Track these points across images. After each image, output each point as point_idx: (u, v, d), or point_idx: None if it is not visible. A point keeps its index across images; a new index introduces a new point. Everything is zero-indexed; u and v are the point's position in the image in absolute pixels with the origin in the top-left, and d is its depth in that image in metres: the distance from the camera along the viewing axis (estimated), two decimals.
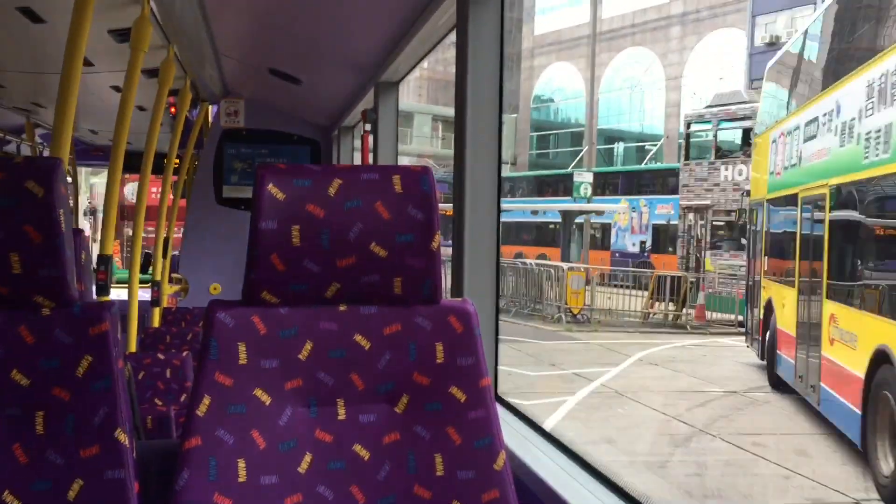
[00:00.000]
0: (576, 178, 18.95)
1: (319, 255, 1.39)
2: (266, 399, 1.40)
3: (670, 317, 17.24)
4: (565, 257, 22.42)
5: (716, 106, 20.21)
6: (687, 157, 20.43)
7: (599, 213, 22.58)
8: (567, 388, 10.97)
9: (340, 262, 1.40)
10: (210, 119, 6.83)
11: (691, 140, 20.41)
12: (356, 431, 1.43)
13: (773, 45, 28.56)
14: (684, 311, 17.11)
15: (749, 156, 18.36)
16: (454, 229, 2.38)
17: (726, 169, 19.17)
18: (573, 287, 17.20)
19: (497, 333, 2.41)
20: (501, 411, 2.26)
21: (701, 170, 19.78)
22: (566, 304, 17.21)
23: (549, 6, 42.72)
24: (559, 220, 24.33)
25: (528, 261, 18.41)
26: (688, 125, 20.51)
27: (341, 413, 1.44)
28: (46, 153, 8.14)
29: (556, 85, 42.74)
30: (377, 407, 1.45)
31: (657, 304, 17.52)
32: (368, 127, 4.51)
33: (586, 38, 40.20)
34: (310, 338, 1.42)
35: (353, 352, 1.44)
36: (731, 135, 20.04)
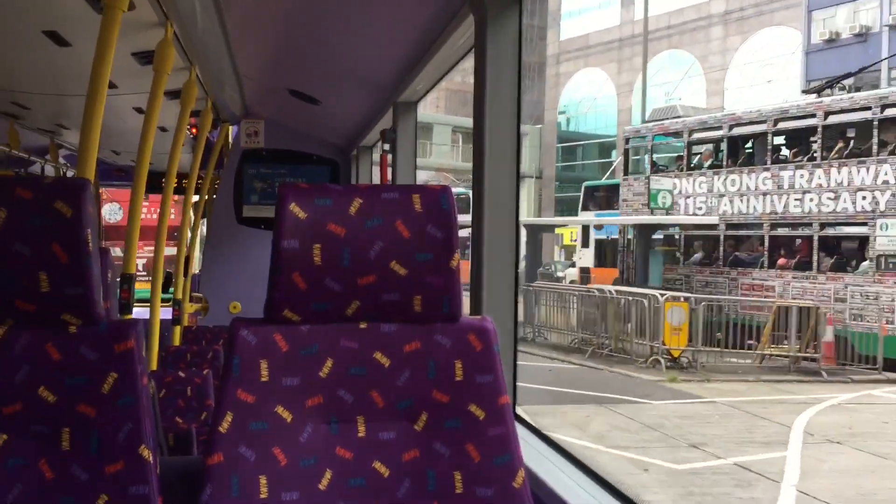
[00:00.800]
0: (653, 185, 17.50)
1: (340, 274, 1.40)
2: (287, 416, 1.41)
3: (786, 356, 13.72)
4: (627, 280, 19.89)
5: (652, 121, 20.41)
6: (626, 172, 20.59)
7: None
8: (747, 497, 7.29)
9: (361, 281, 1.41)
10: (231, 139, 6.90)
11: (629, 155, 20.63)
12: (376, 448, 1.44)
13: (833, 41, 27.11)
14: (808, 351, 13.66)
15: (682, 170, 18.68)
16: (473, 247, 2.40)
17: (660, 184, 19.27)
18: (673, 322, 13.70)
19: (516, 351, 2.41)
20: (520, 429, 2.26)
21: (638, 185, 19.82)
22: (663, 343, 13.74)
23: (575, 9, 40.79)
24: (618, 235, 22.35)
25: (604, 287, 15.59)
26: (626, 140, 20.69)
27: (361, 430, 1.45)
28: (70, 174, 8.24)
29: (583, 93, 40.77)
30: (397, 424, 1.46)
31: (765, 342, 13.98)
32: (387, 147, 4.54)
33: (617, 41, 38.24)
34: (330, 355, 1.44)
35: (373, 369, 1.45)
36: (665, 150, 20.39)
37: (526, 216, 27.91)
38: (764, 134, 17.00)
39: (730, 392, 12.08)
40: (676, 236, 19.19)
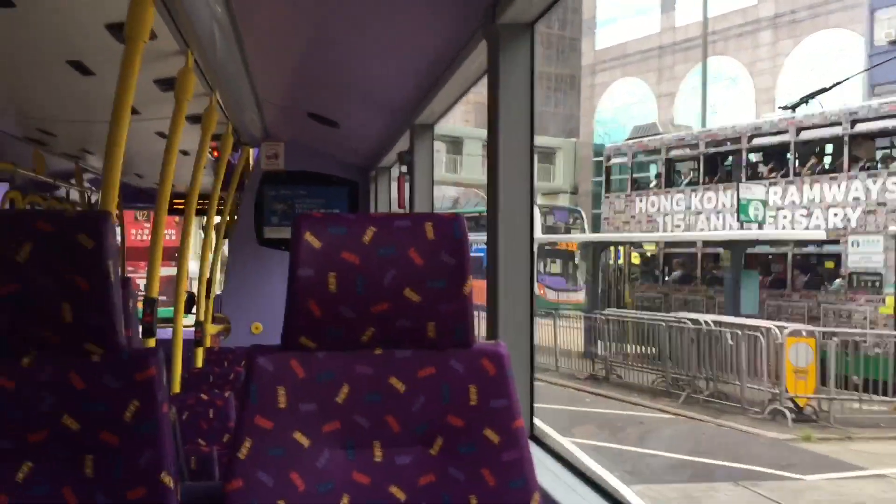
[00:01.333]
0: (743, 194, 15.71)
1: (355, 301, 1.43)
2: (305, 442, 1.43)
3: None
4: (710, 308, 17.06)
5: (633, 138, 20.23)
6: (607, 190, 20.35)
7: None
8: None
9: (375, 308, 1.44)
10: (251, 162, 6.97)
11: (612, 174, 20.33)
12: (392, 473, 1.46)
13: None
14: None
15: (661, 187, 18.49)
16: (488, 272, 2.41)
17: (641, 201, 19.10)
18: (797, 363, 11.05)
19: (532, 374, 2.42)
20: (537, 451, 2.26)
21: (619, 202, 19.67)
22: (786, 390, 11.03)
23: (612, 17, 37.93)
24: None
25: (702, 317, 13.36)
26: (607, 157, 20.47)
27: (378, 455, 1.47)
28: (95, 197, 8.35)
29: (621, 104, 38.03)
30: (412, 449, 1.47)
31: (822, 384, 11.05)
32: (404, 168, 4.58)
33: (657, 49, 35.63)
34: (346, 381, 1.46)
35: (388, 395, 1.47)
36: (645, 167, 19.97)
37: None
38: (739, 151, 16.87)
39: (888, 456, 9.49)
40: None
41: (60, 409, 1.42)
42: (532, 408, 2.40)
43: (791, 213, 15.40)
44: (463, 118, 38.95)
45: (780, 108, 16.70)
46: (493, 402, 1.48)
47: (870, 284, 13.75)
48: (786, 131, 15.71)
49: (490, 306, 2.40)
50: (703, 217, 17.36)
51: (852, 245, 14.20)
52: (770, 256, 16.26)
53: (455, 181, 34.74)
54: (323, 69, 4.15)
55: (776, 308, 15.10)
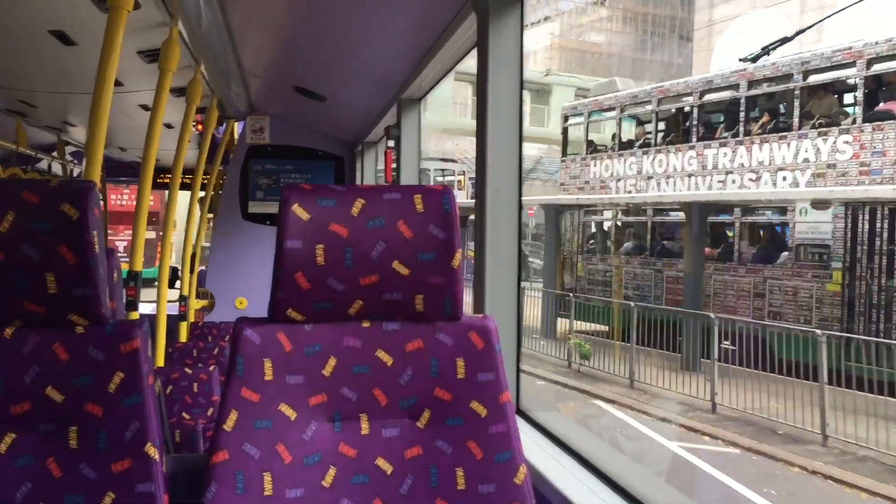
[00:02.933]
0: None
1: (343, 274, 1.42)
2: (291, 414, 1.43)
3: None
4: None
5: (591, 97, 18.46)
6: (564, 153, 18.56)
7: None
8: None
9: (363, 280, 1.43)
10: (236, 136, 6.92)
11: (568, 135, 18.52)
12: (379, 446, 1.46)
13: None
14: None
15: (616, 150, 16.74)
16: (476, 246, 2.41)
17: (595, 165, 17.34)
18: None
19: (519, 348, 2.43)
20: (523, 425, 2.28)
21: (574, 166, 17.90)
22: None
23: None
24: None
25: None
26: (564, 118, 18.55)
27: (364, 428, 1.47)
28: (77, 170, 8.28)
29: (749, 43, 29.48)
30: (400, 422, 1.47)
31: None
32: (391, 143, 4.56)
33: None
34: (334, 354, 1.46)
35: (375, 367, 1.47)
36: (601, 127, 18.40)
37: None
38: (691, 108, 15.15)
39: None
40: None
41: (44, 380, 1.41)
42: (518, 382, 2.41)
43: (740, 177, 13.97)
44: (544, 65, 35.41)
45: (739, 59, 14.77)
46: (481, 375, 1.48)
47: (817, 258, 12.52)
48: (737, 86, 14.13)
49: (477, 280, 2.40)
50: (654, 182, 15.82)
51: (800, 214, 12.81)
52: (718, 226, 14.83)
53: (543, 136, 29.80)
54: (310, 42, 4.10)
55: (722, 284, 13.93)
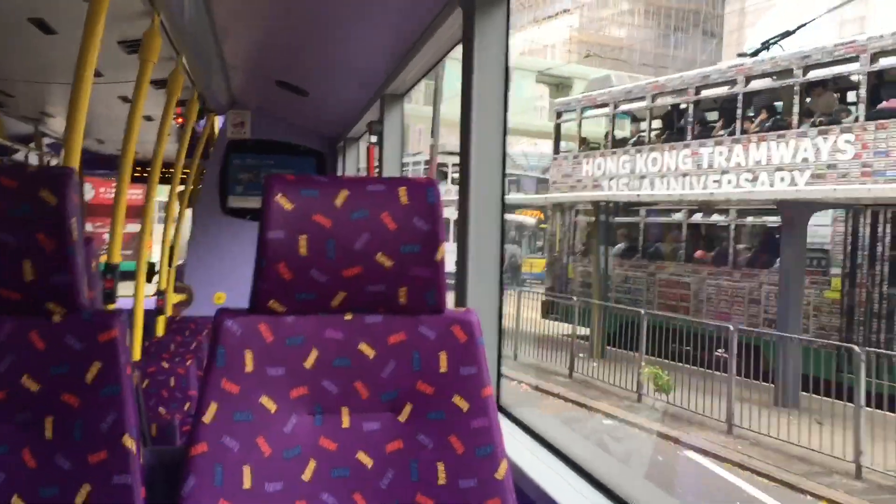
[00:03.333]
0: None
1: (326, 265, 1.41)
2: (272, 407, 1.42)
3: None
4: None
5: (585, 93, 17.82)
6: (556, 151, 17.75)
7: None
8: None
9: (346, 272, 1.42)
10: (217, 130, 6.88)
11: (560, 132, 17.80)
12: (360, 439, 1.45)
13: None
14: None
15: (609, 147, 15.99)
16: (458, 240, 2.41)
17: (587, 163, 16.55)
18: None
19: (501, 343, 2.43)
20: (504, 421, 2.27)
21: (566, 164, 17.10)
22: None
23: None
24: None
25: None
26: (557, 115, 17.81)
27: (345, 421, 1.46)
28: (54, 162, 8.19)
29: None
30: (381, 415, 1.47)
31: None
32: (374, 139, 4.55)
33: None
34: (315, 346, 1.45)
35: (357, 360, 1.46)
36: (594, 124, 17.65)
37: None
38: (687, 104, 14.44)
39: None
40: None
41: (20, 369, 1.39)
42: (500, 377, 2.41)
43: (736, 177, 13.21)
44: (561, 59, 34.31)
45: (738, 55, 14.42)
46: (463, 369, 1.47)
47: (815, 263, 11.79)
48: (734, 81, 13.41)
49: (459, 274, 2.40)
50: (647, 182, 15.04)
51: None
52: (712, 229, 14.17)
53: (563, 132, 30.37)
54: (293, 36, 4.08)
55: (716, 289, 13.25)
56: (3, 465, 1.37)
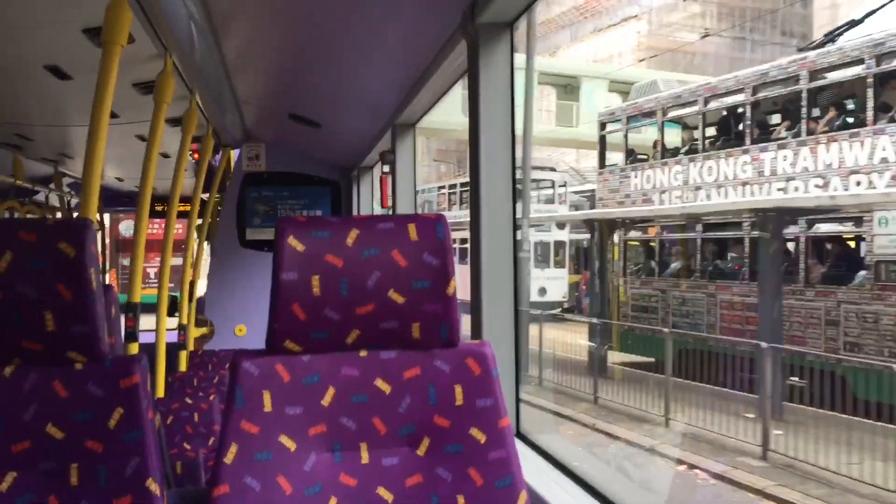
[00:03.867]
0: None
1: (339, 304, 1.43)
2: (291, 445, 1.43)
3: None
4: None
5: (631, 101, 16.53)
6: (602, 165, 16.62)
7: None
8: None
9: (360, 310, 1.44)
10: (233, 163, 6.95)
11: (606, 145, 16.68)
12: (379, 475, 1.46)
13: None
14: None
15: (658, 158, 14.79)
16: (472, 272, 2.42)
17: (636, 177, 15.35)
18: None
19: (518, 373, 2.43)
20: (524, 449, 2.27)
21: (613, 179, 15.99)
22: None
23: None
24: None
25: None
26: (601, 126, 16.61)
27: (364, 457, 1.47)
28: (74, 201, 8.29)
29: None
30: (399, 450, 1.48)
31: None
32: (387, 168, 4.58)
33: None
34: (332, 384, 1.46)
35: (374, 396, 1.47)
36: (642, 134, 16.65)
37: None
38: (744, 106, 13.17)
39: None
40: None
41: (44, 418, 1.42)
42: (518, 406, 2.41)
43: (804, 183, 11.81)
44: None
45: (798, 49, 12.93)
46: (479, 401, 1.48)
47: None
48: (797, 77, 11.99)
49: (474, 306, 2.41)
50: (703, 193, 13.79)
51: (879, 224, 10.64)
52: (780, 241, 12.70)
53: (571, 138, 26.73)
54: (303, 70, 4.14)
55: (787, 310, 11.60)
56: None
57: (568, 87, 27.32)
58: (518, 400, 2.41)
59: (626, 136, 16.08)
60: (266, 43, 3.84)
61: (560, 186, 23.48)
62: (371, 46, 3.42)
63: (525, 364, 13.34)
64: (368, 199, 6.28)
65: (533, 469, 2.14)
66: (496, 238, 2.39)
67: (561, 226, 22.94)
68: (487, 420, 1.48)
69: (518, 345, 2.41)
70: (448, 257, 1.46)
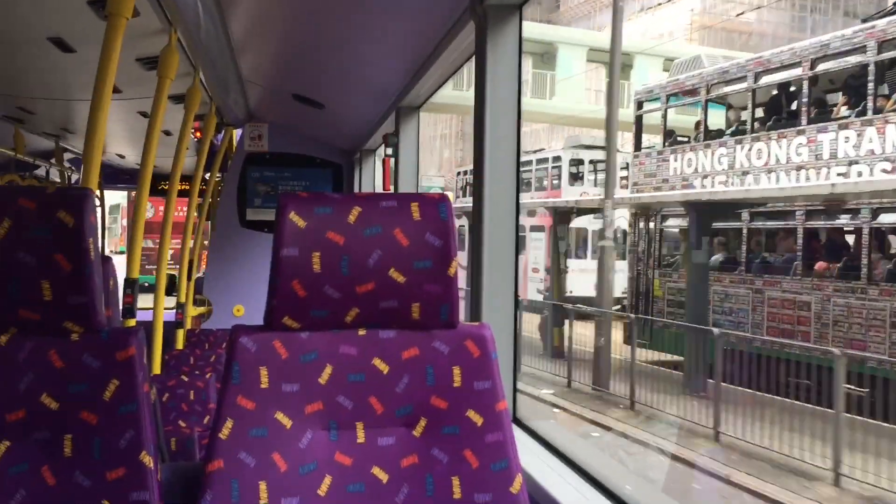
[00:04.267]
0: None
1: (339, 281, 1.42)
2: (287, 422, 1.43)
3: None
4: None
5: (672, 79, 15.02)
6: (637, 148, 15.13)
7: None
8: None
9: (360, 288, 1.43)
10: (234, 143, 6.93)
11: (643, 126, 15.24)
12: (375, 454, 1.46)
13: None
14: None
15: (701, 139, 13.35)
16: (472, 254, 2.41)
17: (675, 160, 13.90)
18: None
19: (516, 357, 2.43)
20: (519, 434, 2.27)
21: (650, 162, 14.57)
22: None
23: None
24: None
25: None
26: (638, 105, 15.20)
27: (360, 436, 1.46)
28: (75, 177, 8.28)
29: None
30: (395, 430, 1.47)
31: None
32: (389, 151, 4.57)
33: None
34: (330, 362, 1.45)
35: (371, 375, 1.46)
36: (682, 114, 15.37)
37: None
38: (800, 81, 11.69)
39: None
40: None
41: (39, 387, 1.41)
42: (515, 390, 2.41)
43: (868, 167, 10.51)
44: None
45: (862, 20, 11.48)
46: (477, 383, 1.48)
47: None
48: (863, 48, 10.56)
49: (473, 288, 2.40)
50: (751, 178, 12.30)
51: None
52: (836, 234, 11.57)
53: (540, 111, 24.71)
54: (309, 50, 4.11)
55: (845, 310, 10.48)
56: (23, 483, 1.39)
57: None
58: (515, 385, 2.40)
59: (664, 117, 14.55)
60: (272, 22, 3.82)
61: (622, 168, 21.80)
62: (377, 27, 3.39)
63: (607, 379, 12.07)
64: (370, 183, 6.27)
65: (529, 454, 2.13)
66: (499, 221, 2.38)
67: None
68: (485, 403, 1.47)
69: (516, 328, 2.40)
70: (450, 238, 1.45)
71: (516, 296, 2.39)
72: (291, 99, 5.26)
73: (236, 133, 6.92)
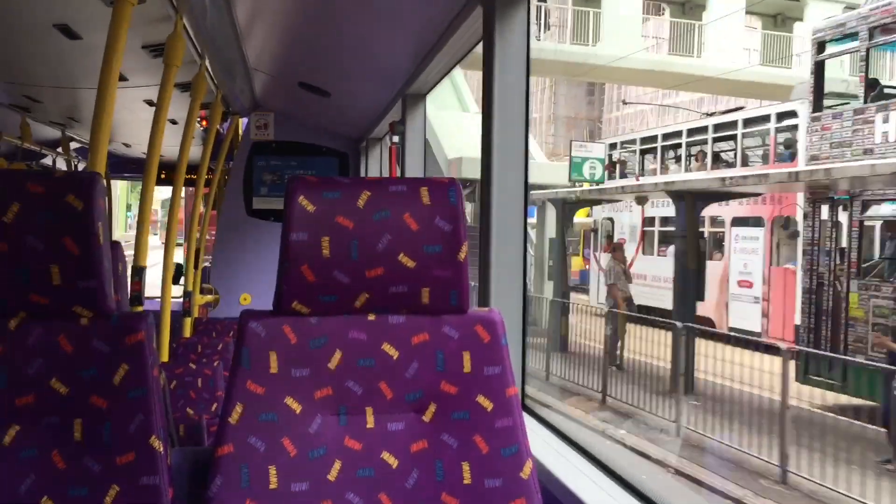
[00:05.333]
0: None
1: (348, 266, 1.41)
2: (296, 407, 1.42)
3: None
4: None
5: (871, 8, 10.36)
6: (817, 107, 10.91)
7: None
8: None
9: (369, 273, 1.42)
10: (241, 132, 6.92)
11: (826, 73, 11.10)
12: (384, 439, 1.45)
13: None
14: None
15: None
16: (480, 239, 2.40)
17: (885, 121, 9.71)
18: None
19: (525, 342, 2.42)
20: (529, 420, 2.27)
21: (842, 125, 10.38)
22: None
23: None
24: None
25: None
26: (819, 46, 11.01)
27: (370, 421, 1.46)
28: (81, 166, 8.29)
29: None
30: (405, 415, 1.47)
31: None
32: (396, 139, 4.55)
33: None
34: (339, 347, 1.45)
35: (381, 361, 1.46)
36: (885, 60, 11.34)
37: None
38: None
39: None
40: None
41: (48, 372, 1.41)
42: (524, 376, 2.40)
43: None
44: None
45: None
46: (487, 368, 1.47)
47: None
48: None
49: (482, 274, 2.39)
50: None
51: None
52: None
53: (584, 63, 20.75)
54: (315, 38, 4.10)
55: (893, 307, 8.54)
56: (33, 467, 1.39)
57: (778, 18, 21.88)
58: (524, 371, 2.40)
59: (866, 60, 10.30)
60: (278, 9, 3.80)
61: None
62: (383, 13, 3.38)
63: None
64: (376, 171, 6.26)
65: (539, 441, 2.13)
66: (507, 207, 2.37)
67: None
68: (495, 388, 1.47)
69: (525, 315, 2.39)
70: (460, 222, 1.44)
71: (525, 282, 2.38)
72: (297, 87, 5.25)
73: (242, 122, 6.92)
